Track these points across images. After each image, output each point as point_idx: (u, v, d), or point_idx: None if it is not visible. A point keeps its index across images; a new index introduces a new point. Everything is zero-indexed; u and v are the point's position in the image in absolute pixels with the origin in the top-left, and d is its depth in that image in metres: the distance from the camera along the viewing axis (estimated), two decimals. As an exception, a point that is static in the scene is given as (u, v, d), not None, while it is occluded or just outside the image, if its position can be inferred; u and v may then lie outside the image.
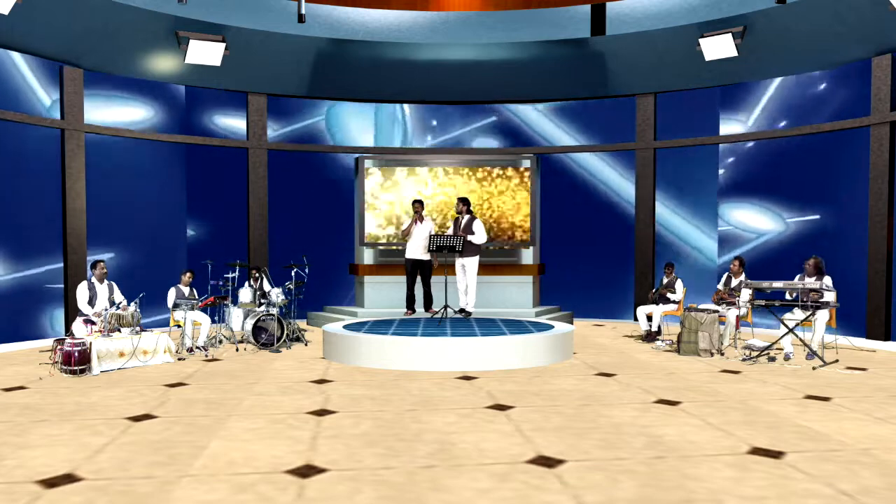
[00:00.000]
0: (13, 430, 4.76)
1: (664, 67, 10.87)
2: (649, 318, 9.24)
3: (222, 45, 10.09)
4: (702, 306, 8.36)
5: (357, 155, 11.36)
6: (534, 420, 5.02)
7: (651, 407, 5.42)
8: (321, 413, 5.22)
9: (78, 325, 7.70)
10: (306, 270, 9.32)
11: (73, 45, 9.57)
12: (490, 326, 8.31)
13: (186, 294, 8.47)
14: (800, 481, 3.70)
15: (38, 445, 4.38)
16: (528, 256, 11.10)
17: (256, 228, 11.38)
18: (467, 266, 9.37)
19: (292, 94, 11.61)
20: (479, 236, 9.32)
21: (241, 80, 11.07)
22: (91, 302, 7.80)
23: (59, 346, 6.89)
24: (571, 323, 10.68)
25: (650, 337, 9.14)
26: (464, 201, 9.47)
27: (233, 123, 11.33)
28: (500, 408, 5.40)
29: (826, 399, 5.71)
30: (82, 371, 6.73)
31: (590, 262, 11.96)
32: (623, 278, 11.76)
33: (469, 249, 9.27)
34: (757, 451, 4.24)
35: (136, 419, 5.03)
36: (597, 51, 10.98)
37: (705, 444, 4.40)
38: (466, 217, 9.39)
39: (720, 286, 8.72)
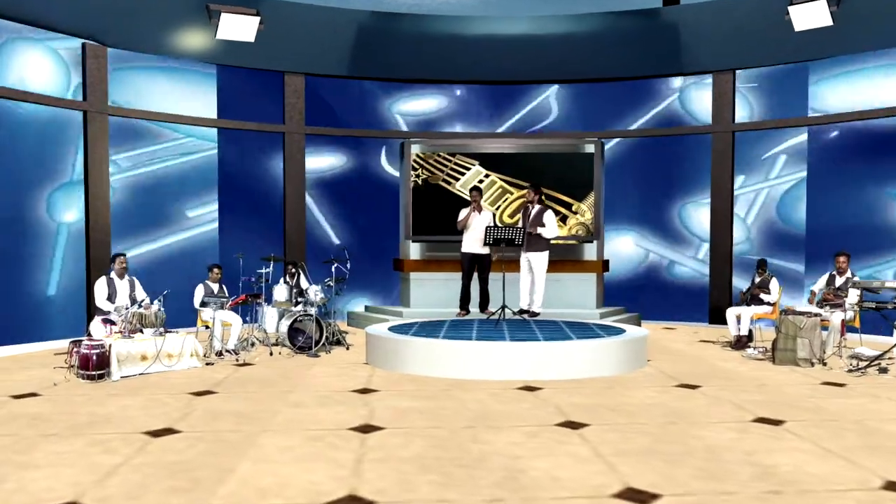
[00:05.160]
0: (17, 444, 4.40)
1: (745, 39, 9.95)
2: (739, 321, 8.25)
3: (256, 20, 9.43)
4: (800, 308, 7.57)
5: (403, 140, 10.61)
6: (613, 441, 4.46)
7: (749, 427, 4.79)
8: (365, 429, 4.78)
9: (96, 325, 7.37)
10: (348, 266, 8.63)
11: (97, 20, 9.08)
12: (552, 329, 7.60)
13: (215, 291, 8.00)
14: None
15: (42, 465, 4.01)
16: (591, 251, 10.23)
17: (293, 219, 10.76)
18: (534, 262, 8.46)
19: (331, 74, 10.98)
20: (549, 229, 8.44)
21: (276, 59, 10.45)
22: (110, 299, 7.37)
23: (75, 349, 6.53)
24: (639, 325, 9.80)
25: (740, 343, 8.10)
26: (535, 188, 8.59)
27: (268, 105, 10.73)
28: (572, 425, 4.83)
29: (955, 419, 4.92)
30: (100, 376, 6.34)
31: (660, 258, 11.12)
32: (696, 277, 10.85)
33: (538, 243, 8.40)
34: (893, 487, 3.54)
35: (156, 434, 4.63)
36: (669, 22, 10.27)
37: (828, 477, 3.74)
38: (537, 207, 8.52)
39: (820, 286, 7.87)
